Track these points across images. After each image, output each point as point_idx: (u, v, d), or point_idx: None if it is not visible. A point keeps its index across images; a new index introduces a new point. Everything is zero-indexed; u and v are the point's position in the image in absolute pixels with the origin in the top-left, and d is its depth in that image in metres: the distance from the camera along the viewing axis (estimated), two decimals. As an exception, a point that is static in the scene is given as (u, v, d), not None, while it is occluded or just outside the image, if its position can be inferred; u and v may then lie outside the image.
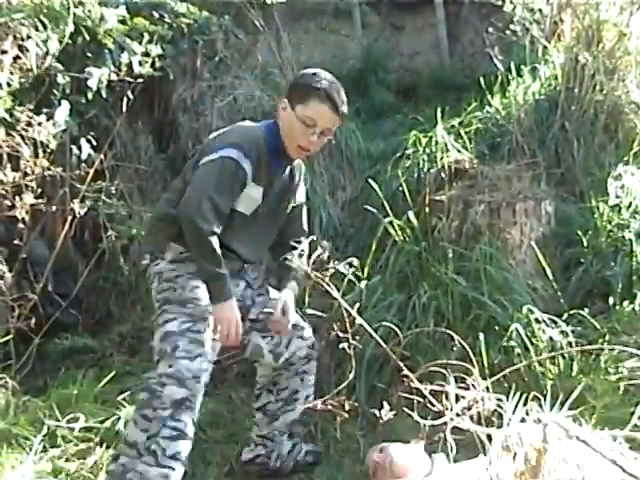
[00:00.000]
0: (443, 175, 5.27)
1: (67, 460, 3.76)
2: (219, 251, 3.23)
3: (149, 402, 3.13)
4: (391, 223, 4.78)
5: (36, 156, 4.19)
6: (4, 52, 4.07)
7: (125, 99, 4.60)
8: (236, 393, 4.46)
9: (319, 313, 3.53)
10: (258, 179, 3.37)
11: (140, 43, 4.76)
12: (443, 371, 2.68)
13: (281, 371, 3.72)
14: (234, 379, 4.58)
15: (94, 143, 4.78)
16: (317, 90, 3.35)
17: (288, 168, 3.60)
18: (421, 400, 2.59)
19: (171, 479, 3.09)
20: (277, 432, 3.80)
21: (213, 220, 3.20)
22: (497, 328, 4.33)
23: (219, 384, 4.46)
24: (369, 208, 4.97)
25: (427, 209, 4.85)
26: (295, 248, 3.56)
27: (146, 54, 4.76)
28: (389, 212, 4.77)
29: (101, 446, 3.81)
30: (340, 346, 2.84)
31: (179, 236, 3.31)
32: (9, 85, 4.08)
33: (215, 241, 3.22)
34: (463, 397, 2.63)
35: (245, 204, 3.40)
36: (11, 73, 4.08)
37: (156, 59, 4.76)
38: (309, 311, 3.69)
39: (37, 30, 4.28)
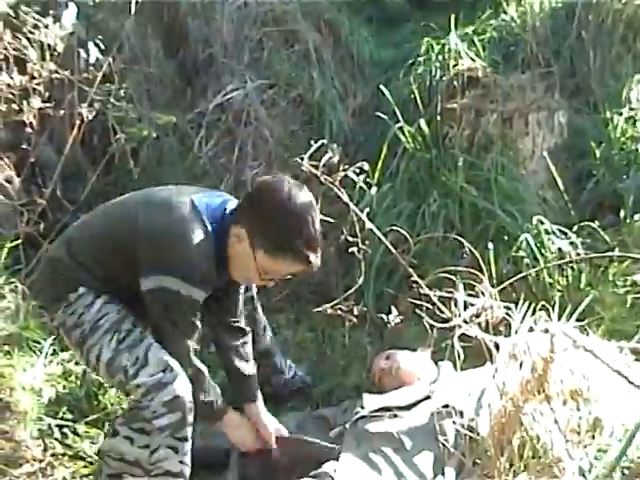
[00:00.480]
0: (455, 83, 5.18)
1: (77, 363, 3.79)
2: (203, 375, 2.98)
3: (137, 416, 2.81)
4: (402, 130, 4.73)
5: (43, 59, 4.13)
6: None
7: (133, 1, 4.51)
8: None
9: (328, 219, 3.51)
10: (206, 289, 2.90)
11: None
12: (452, 278, 2.67)
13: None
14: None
15: (102, 47, 4.71)
16: (293, 250, 2.76)
17: None
18: (429, 307, 2.59)
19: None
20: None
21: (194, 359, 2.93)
22: (506, 238, 4.33)
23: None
24: (380, 114, 4.92)
25: (439, 117, 4.82)
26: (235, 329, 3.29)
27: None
28: (400, 119, 4.72)
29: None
30: (349, 250, 2.83)
31: (74, 282, 2.95)
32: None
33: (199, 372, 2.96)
34: (472, 304, 2.63)
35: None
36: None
37: (165, -38, 4.67)
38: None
39: None
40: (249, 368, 3.28)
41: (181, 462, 2.82)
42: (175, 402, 2.77)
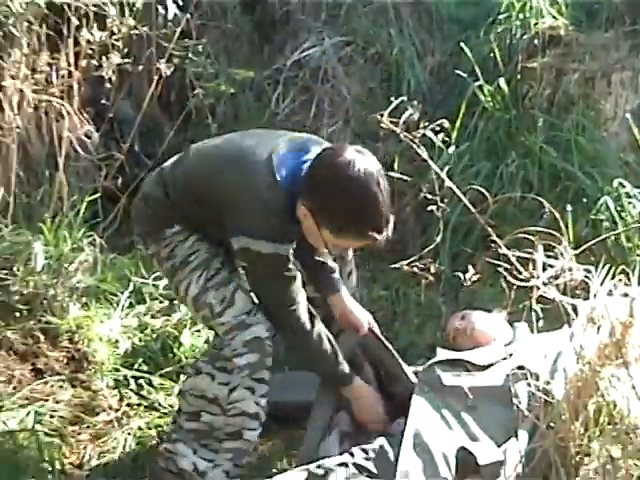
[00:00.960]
0: (536, 42, 5.07)
1: (152, 317, 3.87)
2: (328, 345, 2.93)
3: (219, 354, 2.89)
4: (481, 88, 4.67)
5: (122, 15, 4.15)
6: None
7: (210, -41, 4.51)
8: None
9: (405, 177, 3.48)
10: (289, 242, 2.82)
11: None
12: (530, 239, 2.62)
13: None
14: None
15: (180, 3, 4.72)
16: (357, 232, 2.70)
17: None
18: (507, 267, 2.55)
19: (258, 429, 2.91)
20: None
21: (306, 319, 2.88)
22: (586, 200, 4.26)
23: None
24: (459, 73, 4.85)
25: (519, 76, 4.74)
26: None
27: None
28: (479, 78, 4.65)
29: (186, 304, 3.89)
30: (427, 209, 2.80)
31: (171, 220, 2.95)
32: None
33: (321, 337, 2.92)
34: (550, 266, 2.58)
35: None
36: None
37: None
38: (396, 175, 3.61)
39: None
40: (331, 262, 3.21)
41: (257, 404, 2.84)
42: (255, 343, 2.80)
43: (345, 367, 2.98)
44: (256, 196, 2.71)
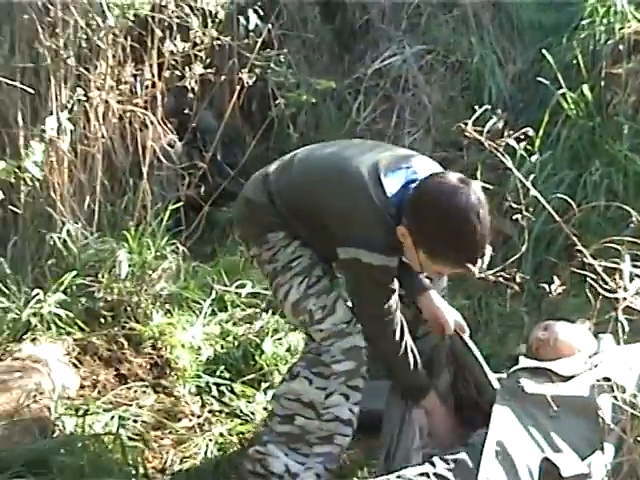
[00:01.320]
0: (621, 47, 4.99)
1: (234, 324, 3.90)
2: (412, 358, 2.95)
3: (318, 360, 2.91)
4: (564, 96, 4.61)
5: (205, 26, 4.20)
6: None
7: (293, -32, 4.55)
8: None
9: (488, 186, 3.45)
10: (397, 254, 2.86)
11: None
12: (617, 248, 2.57)
13: None
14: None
15: (261, 13, 4.76)
16: (452, 259, 2.73)
17: None
18: (593, 277, 2.50)
19: (349, 436, 2.94)
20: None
21: (399, 330, 2.91)
22: (673, 208, 4.15)
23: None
24: (541, 80, 4.80)
25: (603, 83, 4.67)
26: None
27: None
28: (562, 85, 4.59)
29: (267, 312, 3.92)
30: (512, 217, 2.77)
31: (275, 226, 2.97)
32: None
33: (407, 349, 2.94)
34: (638, 276, 2.53)
35: None
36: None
37: None
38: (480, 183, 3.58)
39: None
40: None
41: (350, 410, 2.88)
42: (353, 351, 2.85)
43: (424, 380, 3.00)
44: (371, 210, 2.75)
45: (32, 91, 3.90)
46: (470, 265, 2.67)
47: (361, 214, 2.77)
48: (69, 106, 4.00)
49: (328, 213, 2.83)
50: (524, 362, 3.16)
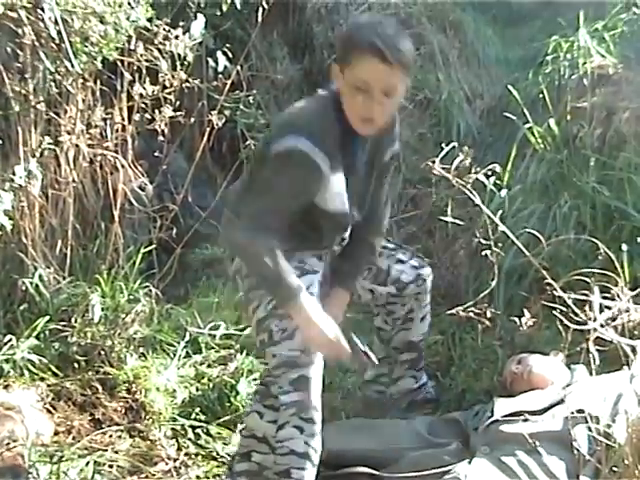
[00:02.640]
0: (585, 81, 5.08)
1: (209, 366, 3.89)
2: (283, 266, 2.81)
3: (267, 392, 2.92)
4: (531, 130, 4.67)
5: (174, 69, 4.23)
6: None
7: (260, 10, 4.57)
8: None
9: (458, 222, 3.49)
10: (335, 168, 2.85)
11: (273, -48, 4.70)
12: (586, 280, 2.61)
13: (392, 298, 3.43)
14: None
15: (230, 55, 4.80)
16: (356, 43, 2.72)
17: (369, 141, 3.02)
18: (563, 309, 2.54)
19: (307, 469, 2.85)
20: (393, 351, 3.56)
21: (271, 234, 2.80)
22: (641, 239, 4.20)
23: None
24: (508, 115, 4.86)
25: (568, 116, 4.73)
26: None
27: (280, -37, 4.71)
28: (529, 119, 4.66)
29: (242, 353, 3.92)
30: (481, 253, 2.80)
31: None
32: (149, -5, 4.12)
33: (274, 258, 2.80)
34: (608, 307, 2.56)
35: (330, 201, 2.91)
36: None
37: (291, -32, 4.72)
38: (449, 219, 3.62)
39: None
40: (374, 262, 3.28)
41: (306, 443, 2.81)
42: (301, 382, 2.80)
43: (294, 282, 2.82)
44: (306, 106, 2.96)
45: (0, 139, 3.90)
46: (380, 58, 2.69)
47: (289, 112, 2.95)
48: (39, 152, 4.00)
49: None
50: (498, 405, 3.18)
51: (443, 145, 2.82)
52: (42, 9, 3.69)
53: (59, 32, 3.66)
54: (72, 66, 3.90)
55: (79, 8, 3.81)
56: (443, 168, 2.66)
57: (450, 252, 4.54)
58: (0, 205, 3.58)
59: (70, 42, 3.76)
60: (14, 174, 3.81)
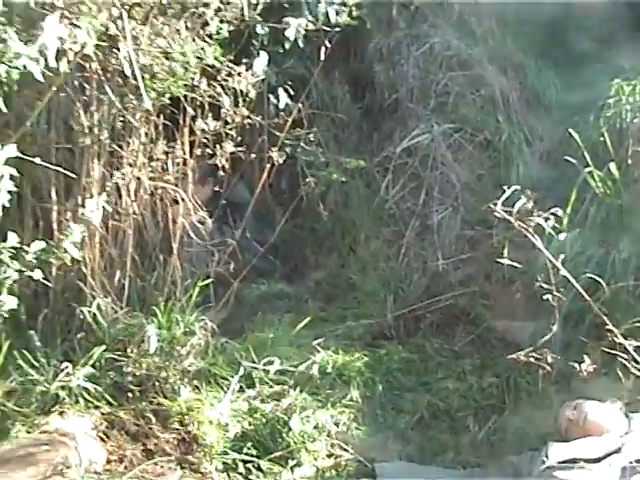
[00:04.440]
0: (647, 125, 5.03)
1: (262, 401, 3.89)
2: None
3: None
4: (591, 174, 4.63)
5: (236, 105, 4.27)
6: (206, 5, 4.14)
7: (322, 49, 4.61)
8: (429, 343, 4.47)
9: (516, 264, 3.47)
10: None
11: (337, -7, 4.74)
12: (647, 328, 2.58)
13: None
14: (428, 328, 4.58)
15: (291, 92, 4.84)
16: None
17: None
18: (624, 356, 2.50)
19: None
20: None
21: None
22: None
23: (412, 333, 4.49)
24: (568, 159, 4.83)
25: (629, 160, 4.68)
26: None
27: (343, 3, 4.73)
28: (589, 163, 4.62)
29: (295, 389, 3.92)
30: (540, 296, 2.78)
31: None
32: (218, 33, 4.16)
33: None
34: (669, 355, 2.53)
35: None
36: (221, 21, 4.15)
37: (353, 8, 4.73)
38: (507, 262, 3.60)
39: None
40: None
41: None
42: None
43: None
44: None
45: (69, 173, 3.96)
46: None
47: None
48: (105, 186, 4.06)
49: None
50: (553, 450, 3.14)
51: (504, 187, 2.81)
52: (118, 49, 3.75)
53: (133, 71, 3.70)
54: (140, 101, 3.94)
55: (151, 47, 3.87)
56: (504, 211, 2.65)
57: (507, 295, 4.50)
58: (70, 237, 3.61)
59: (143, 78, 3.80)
60: (84, 206, 3.86)
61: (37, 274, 3.49)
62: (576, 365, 2.60)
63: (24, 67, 3.06)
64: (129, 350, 3.90)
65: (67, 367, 3.74)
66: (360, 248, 5.19)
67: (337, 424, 3.80)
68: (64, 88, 3.94)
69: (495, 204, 2.67)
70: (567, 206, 4.54)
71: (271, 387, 3.99)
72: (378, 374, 4.13)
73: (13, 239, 3.40)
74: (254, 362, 4.09)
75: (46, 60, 3.08)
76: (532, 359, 2.73)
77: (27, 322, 3.92)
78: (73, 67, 3.63)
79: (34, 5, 3.24)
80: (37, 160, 3.55)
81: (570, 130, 5.04)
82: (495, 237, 4.73)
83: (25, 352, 3.76)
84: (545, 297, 2.75)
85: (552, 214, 2.75)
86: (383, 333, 4.60)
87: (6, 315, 3.47)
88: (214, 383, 4.00)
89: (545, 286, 2.74)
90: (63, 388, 3.69)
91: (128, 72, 3.74)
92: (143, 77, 3.83)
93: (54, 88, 3.60)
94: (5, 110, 3.23)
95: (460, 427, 3.92)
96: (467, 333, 4.41)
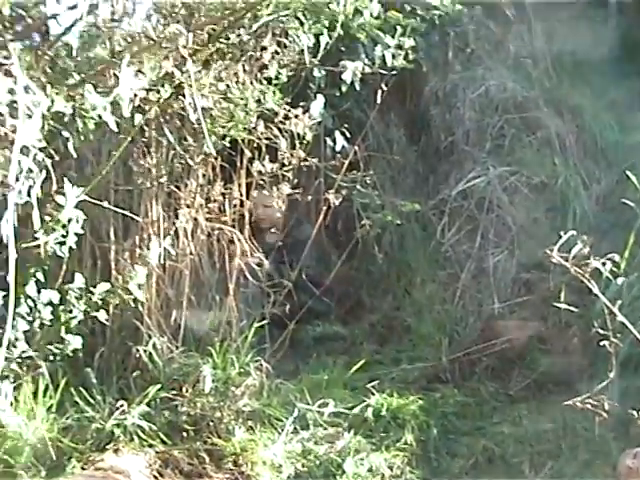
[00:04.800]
0: None
1: (316, 443, 3.89)
2: None
3: None
4: (649, 217, 4.60)
5: (293, 147, 4.32)
6: (264, 48, 4.21)
7: (378, 92, 4.65)
8: (485, 387, 4.44)
9: (572, 309, 3.45)
10: None
11: (393, 36, 4.78)
12: None
13: None
14: (483, 372, 4.55)
15: (347, 135, 4.88)
16: None
17: None
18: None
19: None
20: None
21: None
22: None
23: (467, 376, 4.46)
24: (626, 202, 4.79)
25: (689, 203, 4.64)
26: None
27: (399, 47, 4.77)
28: (647, 206, 4.59)
29: (349, 431, 3.91)
30: (598, 342, 2.76)
31: None
32: (277, 78, 4.22)
33: None
34: None
35: None
36: (279, 65, 4.21)
37: (409, 51, 4.77)
38: (563, 306, 3.58)
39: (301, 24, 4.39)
40: None
41: None
42: None
43: None
44: None
45: (127, 213, 4.02)
46: None
47: None
48: (166, 229, 4.12)
49: None
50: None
51: (560, 233, 2.80)
52: (180, 94, 3.82)
53: (197, 115, 3.76)
54: (201, 144, 4.00)
55: (212, 92, 3.94)
56: (561, 256, 2.65)
57: (564, 339, 4.46)
58: (135, 279, 3.67)
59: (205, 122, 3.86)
60: (141, 248, 3.92)
61: (102, 315, 3.56)
62: (634, 412, 2.57)
63: (99, 117, 3.14)
64: (184, 389, 3.93)
65: (122, 405, 3.77)
66: (415, 291, 5.19)
67: (391, 467, 3.78)
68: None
69: (551, 250, 2.66)
70: (625, 250, 4.49)
71: (325, 429, 3.98)
72: (433, 418, 4.10)
73: (79, 280, 3.47)
74: (308, 404, 4.09)
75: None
76: (589, 405, 2.70)
77: (84, 360, 3.96)
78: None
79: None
80: (103, 203, 3.64)
81: (627, 172, 5.00)
82: (551, 281, 4.70)
83: (81, 389, 3.81)
84: (602, 343, 2.73)
85: (609, 259, 2.73)
86: (438, 376, 4.58)
87: (70, 354, 3.55)
88: (268, 424, 4.00)
89: (602, 332, 2.72)
90: (118, 426, 3.71)
91: (193, 117, 3.80)
92: (205, 121, 3.88)
93: (129, 139, 3.67)
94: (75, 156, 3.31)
95: (515, 473, 3.87)
96: (523, 377, 4.37)
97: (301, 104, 4.43)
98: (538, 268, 4.89)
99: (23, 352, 3.51)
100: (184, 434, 3.83)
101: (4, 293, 3.12)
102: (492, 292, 4.95)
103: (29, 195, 3.00)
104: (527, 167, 5.48)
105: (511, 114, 5.72)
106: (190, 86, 3.70)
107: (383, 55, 4.75)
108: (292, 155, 4.31)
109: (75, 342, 3.57)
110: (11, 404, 3.60)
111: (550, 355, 4.19)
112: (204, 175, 4.34)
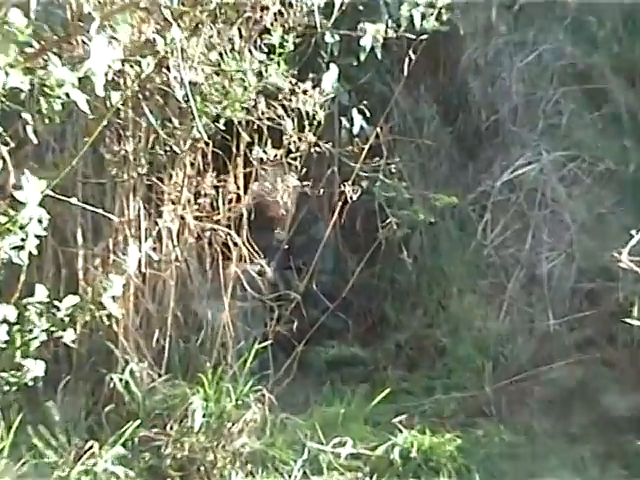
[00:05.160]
0: None
1: (328, 493, 3.90)
2: None
3: None
4: None
5: (301, 130, 4.32)
6: (265, 8, 4.20)
7: (405, 61, 4.65)
8: (538, 423, 4.44)
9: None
10: None
11: (423, -8, 4.79)
12: None
13: None
14: (536, 404, 4.56)
15: (367, 114, 4.88)
16: None
17: None
18: None
19: None
20: None
21: None
22: None
23: (517, 410, 4.46)
24: None
25: None
26: None
27: (430, 5, 4.76)
28: None
29: (372, 477, 3.91)
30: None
31: None
32: (281, 46, 4.21)
33: None
34: None
35: None
36: (284, 30, 4.19)
37: (442, 11, 4.76)
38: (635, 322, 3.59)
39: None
40: None
41: None
42: None
43: None
44: None
45: (98, 211, 4.03)
46: None
47: None
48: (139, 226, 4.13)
49: None
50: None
51: (632, 231, 2.80)
52: (168, 68, 3.82)
53: (185, 92, 3.76)
54: (189, 129, 4.01)
55: (204, 65, 3.93)
56: (632, 261, 2.65)
57: (637, 363, 4.47)
58: (109, 291, 3.61)
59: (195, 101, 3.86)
60: (115, 252, 3.92)
61: (68, 335, 3.55)
62: None
63: (67, 96, 3.13)
64: (169, 427, 3.94)
65: (92, 447, 3.78)
66: (451, 304, 5.19)
67: (423, 522, 3.80)
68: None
69: (620, 252, 2.66)
70: None
71: (342, 474, 3.99)
72: (474, 460, 4.11)
73: (41, 293, 3.47)
74: (321, 443, 4.10)
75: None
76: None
77: (45, 391, 3.98)
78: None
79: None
80: (70, 199, 3.65)
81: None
82: (620, 291, 4.70)
83: (41, 428, 3.83)
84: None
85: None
86: (480, 409, 4.59)
87: (30, 383, 3.55)
88: (272, 468, 4.02)
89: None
90: (87, 473, 3.73)
91: (179, 94, 3.80)
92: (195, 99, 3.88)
93: (104, 122, 3.66)
94: (36, 141, 3.30)
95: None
96: (586, 411, 4.37)
97: (311, 77, 4.43)
98: (603, 276, 4.90)
99: (-32, 382, 3.52)
100: (168, 482, 3.85)
101: (-55, 310, 3.14)
102: (546, 305, 4.96)
103: (-22, 191, 3.01)
104: (589, 151, 5.48)
105: (569, 86, 5.71)
106: (175, 56, 3.71)
107: (411, 15, 4.74)
108: (300, 139, 4.31)
109: (35, 369, 3.57)
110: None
111: (620, 383, 4.19)
112: (192, 164, 4.35)
